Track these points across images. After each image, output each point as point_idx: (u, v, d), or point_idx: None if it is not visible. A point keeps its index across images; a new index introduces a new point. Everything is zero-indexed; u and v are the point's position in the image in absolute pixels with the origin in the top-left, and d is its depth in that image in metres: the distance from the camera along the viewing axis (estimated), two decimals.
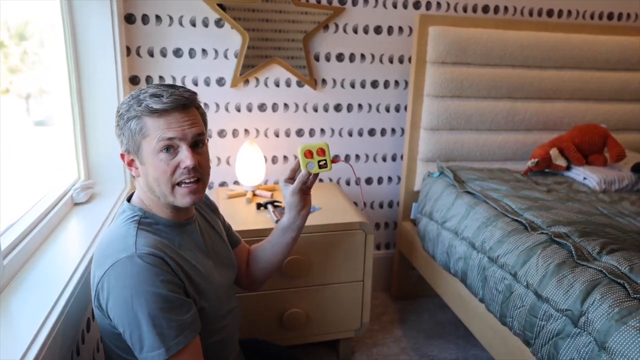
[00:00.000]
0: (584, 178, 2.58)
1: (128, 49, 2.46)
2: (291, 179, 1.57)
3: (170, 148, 1.27)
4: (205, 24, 2.52)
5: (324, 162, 1.49)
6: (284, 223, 1.63)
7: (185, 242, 1.38)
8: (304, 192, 1.57)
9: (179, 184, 1.30)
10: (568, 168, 2.70)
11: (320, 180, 2.90)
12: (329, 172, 2.85)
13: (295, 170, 1.56)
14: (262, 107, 2.71)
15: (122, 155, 1.35)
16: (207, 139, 1.39)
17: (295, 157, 1.48)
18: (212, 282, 1.41)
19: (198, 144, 1.33)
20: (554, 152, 2.67)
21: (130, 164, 1.34)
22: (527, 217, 2.05)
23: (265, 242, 1.72)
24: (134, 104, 1.27)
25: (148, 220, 1.33)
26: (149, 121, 1.26)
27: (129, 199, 1.41)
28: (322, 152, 1.49)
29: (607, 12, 3.05)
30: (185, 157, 1.28)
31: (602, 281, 1.55)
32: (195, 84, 2.58)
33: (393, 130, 2.95)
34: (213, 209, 1.66)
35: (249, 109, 2.70)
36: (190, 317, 1.24)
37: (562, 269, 1.67)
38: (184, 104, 1.29)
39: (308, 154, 1.49)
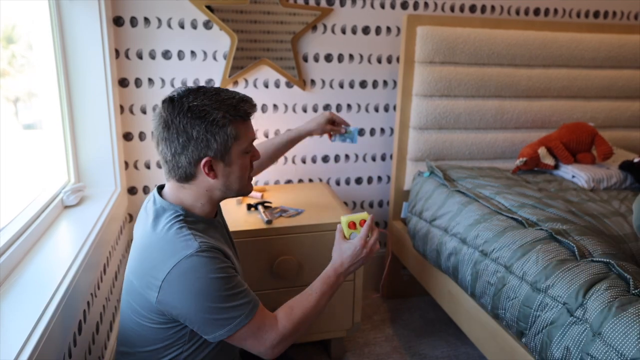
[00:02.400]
0: (573, 176, 2.60)
1: (117, 52, 2.46)
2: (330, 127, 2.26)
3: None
4: (194, 25, 2.53)
5: None
6: (294, 134, 2.21)
7: (219, 237, 1.48)
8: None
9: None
10: (556, 167, 2.72)
11: (310, 180, 2.92)
12: (312, 171, 2.87)
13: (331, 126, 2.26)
14: None
15: (208, 161, 1.36)
16: None
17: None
18: (242, 273, 1.55)
19: None
20: (542, 151, 2.69)
21: (210, 168, 1.38)
22: (522, 215, 2.06)
23: (269, 146, 2.17)
24: (229, 109, 1.35)
25: (191, 219, 1.40)
26: (241, 125, 1.39)
27: (159, 194, 1.46)
28: (364, 223, 1.64)
29: (593, 10, 3.08)
30: (256, 151, 1.50)
31: (609, 275, 1.55)
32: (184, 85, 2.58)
33: (382, 130, 2.96)
34: None
35: None
36: (247, 288, 1.38)
37: (565, 264, 1.66)
38: None
39: (352, 225, 1.65)
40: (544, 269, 1.70)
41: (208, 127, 1.33)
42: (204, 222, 1.44)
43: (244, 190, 1.48)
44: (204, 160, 1.35)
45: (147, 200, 1.50)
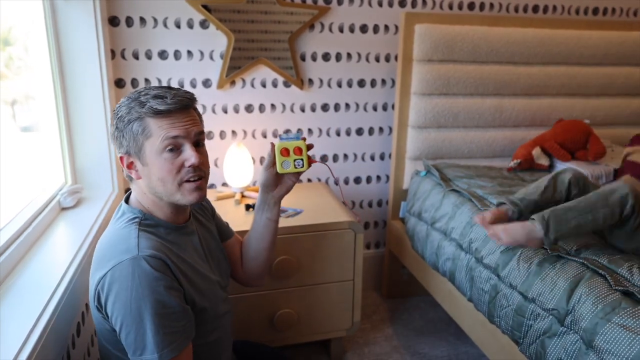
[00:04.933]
0: None
1: (113, 52, 2.45)
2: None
3: (174, 148, 1.29)
4: (190, 25, 2.51)
5: (301, 161, 1.46)
6: (257, 202, 1.62)
7: (184, 245, 1.40)
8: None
9: (185, 181, 1.32)
10: (550, 166, 2.72)
11: (309, 180, 2.90)
12: (310, 171, 2.85)
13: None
14: (249, 108, 2.71)
15: (122, 158, 1.34)
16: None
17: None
18: (210, 283, 1.44)
19: (199, 143, 1.36)
20: (536, 151, 2.69)
21: (130, 166, 1.34)
22: None
23: (249, 230, 1.70)
24: (136, 105, 1.28)
25: (148, 222, 1.34)
26: (152, 122, 1.28)
27: (126, 200, 1.40)
28: (299, 151, 1.45)
29: (592, 7, 3.07)
30: (190, 155, 1.30)
31: (584, 275, 1.56)
32: (182, 85, 2.57)
33: (381, 129, 2.95)
34: (211, 212, 1.67)
35: (236, 110, 2.69)
36: (185, 324, 1.26)
37: (543, 267, 1.68)
38: (187, 104, 1.32)
39: (284, 152, 1.45)
40: (526, 277, 1.71)
41: (118, 124, 1.31)
42: (167, 227, 1.37)
43: (175, 197, 1.33)
44: (119, 157, 1.34)
45: None
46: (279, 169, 1.47)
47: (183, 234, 1.42)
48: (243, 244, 1.73)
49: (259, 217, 1.63)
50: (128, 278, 1.19)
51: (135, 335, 1.19)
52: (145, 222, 1.33)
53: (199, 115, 1.40)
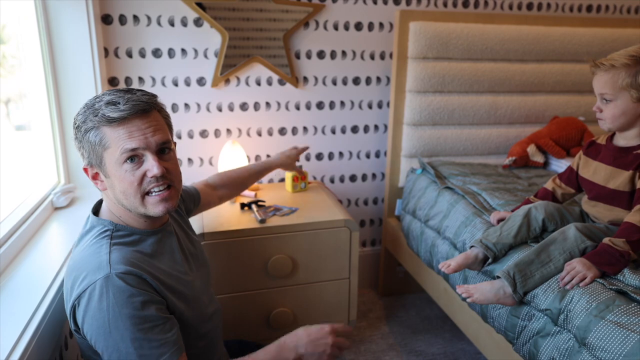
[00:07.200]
0: None
1: (106, 50, 2.43)
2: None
3: (134, 158, 1.22)
4: (184, 23, 2.50)
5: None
6: (262, 164, 2.17)
7: (163, 249, 1.35)
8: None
9: (148, 193, 1.25)
10: (546, 164, 2.72)
11: None
12: (316, 171, 2.86)
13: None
14: (243, 107, 2.70)
15: (86, 169, 1.28)
16: (174, 144, 1.35)
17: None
18: (194, 287, 1.40)
19: (164, 151, 1.28)
20: (531, 149, 2.69)
21: (95, 177, 1.28)
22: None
23: (241, 174, 2.07)
24: (90, 114, 1.20)
25: (121, 232, 1.27)
26: (109, 131, 1.19)
27: (95, 212, 1.33)
28: (304, 177, 2.45)
29: (586, 4, 3.07)
30: (151, 166, 1.23)
31: None
32: (176, 84, 2.56)
33: (376, 127, 2.95)
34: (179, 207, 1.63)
35: (231, 109, 2.68)
36: (173, 335, 1.20)
37: None
38: (144, 109, 1.22)
39: (295, 179, 2.46)
40: None
41: (77, 134, 1.23)
42: (143, 233, 1.31)
43: (141, 209, 1.27)
44: (83, 168, 1.28)
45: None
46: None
47: (160, 238, 1.36)
48: (229, 180, 2.01)
49: (259, 169, 2.14)
50: (102, 299, 1.13)
51: (119, 355, 1.13)
52: (118, 234, 1.26)
53: (165, 117, 1.32)
